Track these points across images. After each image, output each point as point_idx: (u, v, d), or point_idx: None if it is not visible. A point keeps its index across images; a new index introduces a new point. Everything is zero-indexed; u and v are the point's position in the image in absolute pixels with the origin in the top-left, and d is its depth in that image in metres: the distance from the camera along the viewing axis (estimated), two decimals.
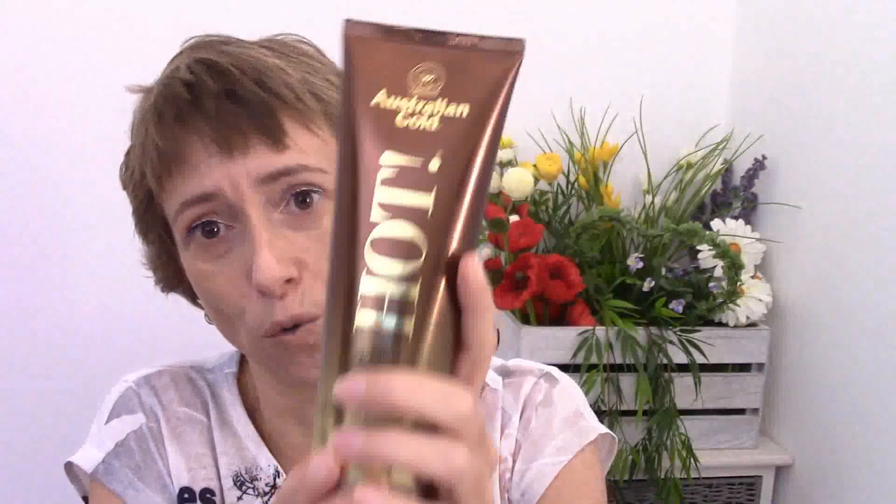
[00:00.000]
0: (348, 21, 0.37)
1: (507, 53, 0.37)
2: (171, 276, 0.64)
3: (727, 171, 1.46)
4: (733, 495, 1.34)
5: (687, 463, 1.26)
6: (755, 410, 1.33)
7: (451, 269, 0.35)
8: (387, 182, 0.35)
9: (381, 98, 0.36)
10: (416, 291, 0.35)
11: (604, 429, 0.71)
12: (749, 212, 1.41)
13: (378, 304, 0.34)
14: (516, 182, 1.34)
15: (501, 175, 1.39)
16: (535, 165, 1.42)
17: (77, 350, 1.43)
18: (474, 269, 0.35)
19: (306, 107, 0.56)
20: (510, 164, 1.43)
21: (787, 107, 1.36)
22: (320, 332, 0.54)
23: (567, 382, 0.72)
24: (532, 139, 1.47)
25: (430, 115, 0.36)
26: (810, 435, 1.29)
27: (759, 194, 1.41)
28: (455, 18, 1.43)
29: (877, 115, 1.15)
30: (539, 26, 1.47)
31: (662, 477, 1.27)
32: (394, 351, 0.34)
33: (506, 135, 1.45)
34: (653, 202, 1.44)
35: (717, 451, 1.32)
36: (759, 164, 1.38)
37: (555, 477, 0.66)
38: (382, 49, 0.36)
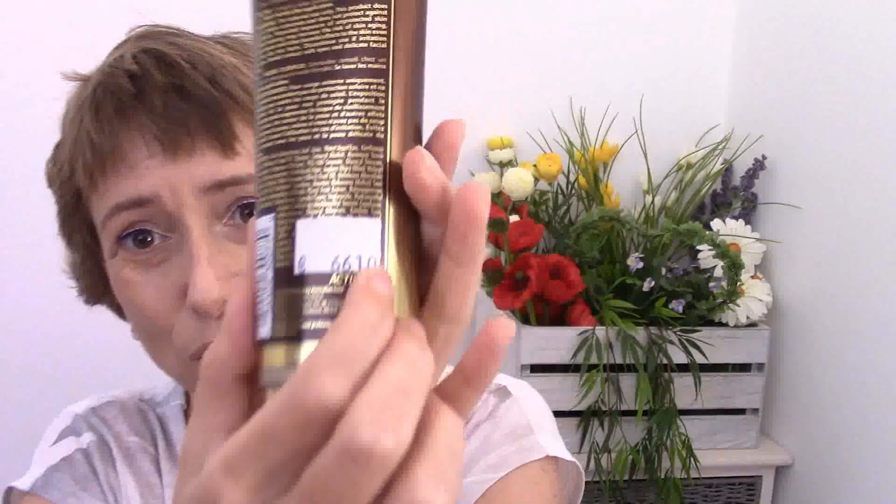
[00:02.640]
0: None
1: None
2: (96, 285, 0.59)
3: (727, 171, 1.46)
4: (733, 495, 1.34)
5: (687, 463, 1.26)
6: (755, 410, 1.33)
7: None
8: None
9: None
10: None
11: (560, 452, 0.61)
12: (749, 212, 1.41)
13: None
14: (516, 182, 1.34)
15: (501, 175, 1.39)
16: (535, 165, 1.42)
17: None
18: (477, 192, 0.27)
19: None
20: (510, 164, 1.43)
21: (787, 107, 1.36)
22: None
23: (523, 396, 0.65)
24: (532, 139, 1.47)
25: None
26: (810, 435, 1.29)
27: (759, 194, 1.41)
28: (451, 15, 1.43)
29: (876, 115, 1.15)
30: (539, 26, 1.47)
31: (662, 477, 1.27)
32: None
33: (506, 135, 1.45)
34: (653, 202, 1.44)
35: (717, 451, 1.32)
36: (758, 164, 1.38)
37: (481, 496, 0.56)
38: None
